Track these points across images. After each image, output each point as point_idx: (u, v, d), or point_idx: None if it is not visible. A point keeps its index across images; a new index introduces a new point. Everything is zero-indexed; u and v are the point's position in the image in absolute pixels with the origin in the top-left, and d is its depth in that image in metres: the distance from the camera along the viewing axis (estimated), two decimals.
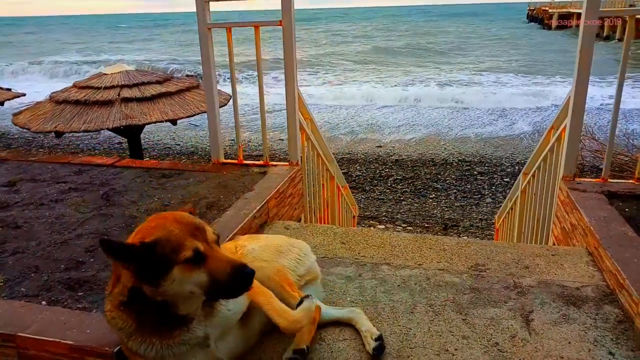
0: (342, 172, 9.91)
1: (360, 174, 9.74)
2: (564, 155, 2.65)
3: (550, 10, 48.83)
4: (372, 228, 7.28)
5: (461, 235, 7.07)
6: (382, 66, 29.85)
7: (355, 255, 2.08)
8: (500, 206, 8.19)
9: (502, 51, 35.70)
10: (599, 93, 17.06)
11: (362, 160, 10.60)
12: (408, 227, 7.31)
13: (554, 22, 45.23)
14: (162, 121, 6.34)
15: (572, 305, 1.69)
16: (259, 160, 3.11)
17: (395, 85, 22.09)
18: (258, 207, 2.37)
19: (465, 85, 21.45)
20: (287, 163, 3.02)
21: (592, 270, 1.94)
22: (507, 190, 8.83)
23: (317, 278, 1.75)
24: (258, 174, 2.88)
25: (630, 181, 2.63)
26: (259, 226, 2.36)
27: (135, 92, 6.45)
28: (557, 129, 2.87)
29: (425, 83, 21.84)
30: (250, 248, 1.62)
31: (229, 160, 3.13)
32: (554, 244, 2.64)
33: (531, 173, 3.46)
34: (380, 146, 12.02)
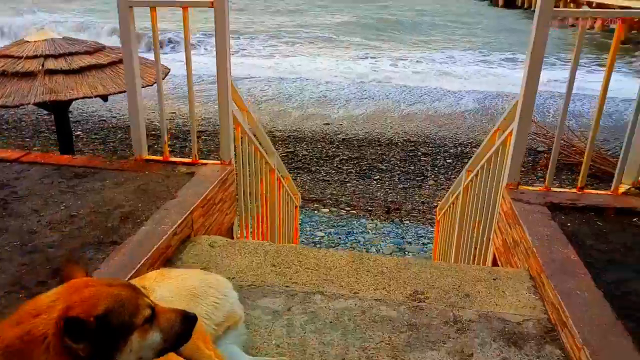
0: (289, 152, 9.63)
1: (307, 153, 9.50)
2: (508, 162, 2.51)
3: None
4: (307, 246, 7.11)
5: (403, 219, 7.04)
6: (335, 37, 29.41)
7: (286, 282, 1.86)
8: (442, 189, 8.26)
9: (455, 28, 36.04)
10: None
11: (310, 139, 10.35)
12: (351, 211, 7.20)
13: (501, 0, 46.24)
14: (90, 97, 5.78)
15: (513, 345, 1.56)
16: (187, 158, 2.79)
17: (349, 59, 21.79)
18: (180, 221, 2.09)
19: (417, 61, 21.40)
20: (219, 161, 2.72)
21: (533, 299, 1.82)
22: (450, 172, 8.90)
23: (239, 321, 1.52)
24: (185, 175, 2.57)
25: (573, 190, 2.55)
26: (180, 242, 2.09)
27: (61, 63, 5.80)
28: (504, 132, 2.74)
29: (378, 59, 21.58)
30: (159, 295, 1.35)
31: (153, 157, 2.80)
32: (494, 255, 2.54)
33: (474, 172, 3.34)
34: (328, 123, 11.78)
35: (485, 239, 2.86)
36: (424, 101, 14.49)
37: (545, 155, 9.46)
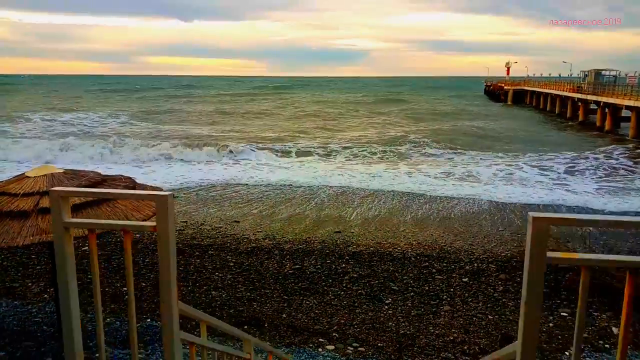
0: (296, 269, 8.99)
1: (315, 270, 8.88)
2: None
3: (505, 87, 51.03)
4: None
5: (416, 358, 6.21)
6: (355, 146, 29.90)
7: None
8: (458, 317, 7.40)
9: (475, 132, 36.23)
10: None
11: (319, 252, 9.77)
12: (360, 348, 6.42)
13: (510, 99, 47.04)
14: (81, 237, 5.43)
15: None
16: None
17: (369, 166, 21.77)
18: None
19: (436, 166, 21.02)
20: None
21: None
22: (466, 294, 8.08)
23: None
24: None
25: None
26: None
27: None
28: None
29: (396, 166, 21.04)
30: None
31: None
32: None
33: None
34: (339, 232, 11.28)
35: None
36: (438, 206, 13.96)
37: (570, 273, 8.60)
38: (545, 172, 19.00)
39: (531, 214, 1.64)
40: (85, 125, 35.63)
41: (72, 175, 6.08)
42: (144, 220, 6.05)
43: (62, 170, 6.13)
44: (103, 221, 2.13)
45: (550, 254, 1.63)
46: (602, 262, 1.65)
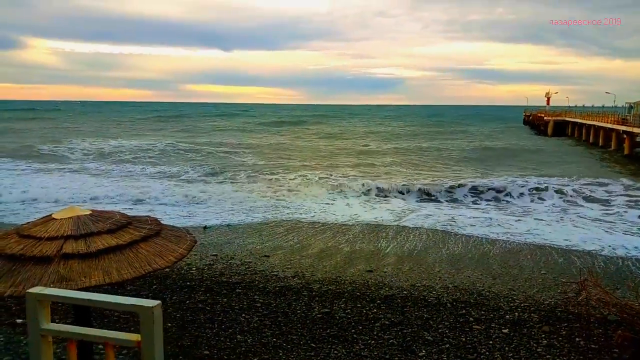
0: (325, 312, 8.47)
1: (344, 314, 8.32)
2: None
3: (545, 118, 49.10)
4: None
5: None
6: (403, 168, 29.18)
7: None
8: None
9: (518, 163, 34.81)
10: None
11: (349, 295, 9.22)
12: None
13: (550, 130, 44.85)
14: (103, 285, 5.16)
15: None
16: None
17: (405, 192, 20.99)
18: None
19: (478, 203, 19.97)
20: None
21: None
22: (506, 348, 7.32)
23: None
24: None
25: None
26: None
27: (80, 246, 5.27)
28: None
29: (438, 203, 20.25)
30: None
31: None
32: None
33: None
34: (372, 270, 10.72)
35: None
36: (476, 243, 13.17)
37: (622, 329, 7.71)
38: (603, 212, 17.65)
39: None
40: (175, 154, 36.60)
41: (97, 218, 5.86)
42: (167, 266, 5.75)
43: (88, 212, 5.93)
44: (83, 330, 1.78)
45: None
46: None
